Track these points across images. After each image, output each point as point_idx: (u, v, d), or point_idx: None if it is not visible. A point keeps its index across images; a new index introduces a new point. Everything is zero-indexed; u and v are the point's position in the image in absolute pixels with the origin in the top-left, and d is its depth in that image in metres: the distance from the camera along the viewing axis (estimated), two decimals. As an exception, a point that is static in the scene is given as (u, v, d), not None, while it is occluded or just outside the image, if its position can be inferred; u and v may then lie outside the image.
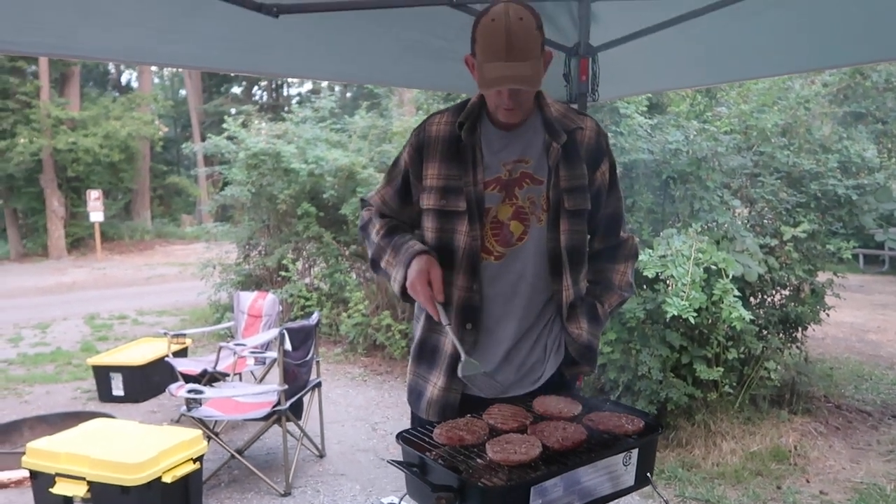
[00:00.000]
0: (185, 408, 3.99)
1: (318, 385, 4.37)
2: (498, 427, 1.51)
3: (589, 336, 1.81)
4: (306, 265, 7.78)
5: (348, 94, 25.35)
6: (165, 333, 4.92)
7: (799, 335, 4.93)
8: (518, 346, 1.78)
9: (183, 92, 28.81)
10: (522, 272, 1.75)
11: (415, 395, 1.87)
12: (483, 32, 1.59)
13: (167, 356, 4.88)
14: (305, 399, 4.23)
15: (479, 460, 1.36)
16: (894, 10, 2.42)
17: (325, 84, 14.32)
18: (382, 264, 1.81)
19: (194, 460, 3.32)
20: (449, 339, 1.74)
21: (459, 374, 1.64)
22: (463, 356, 1.65)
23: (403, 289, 1.73)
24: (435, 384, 1.80)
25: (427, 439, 1.47)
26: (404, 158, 1.84)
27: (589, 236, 1.86)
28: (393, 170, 1.88)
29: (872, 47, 2.82)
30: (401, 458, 1.50)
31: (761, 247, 4.45)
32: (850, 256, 4.83)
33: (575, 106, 1.79)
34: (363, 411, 5.31)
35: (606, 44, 2.95)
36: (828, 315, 4.98)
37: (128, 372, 5.49)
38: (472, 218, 1.71)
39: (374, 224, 1.86)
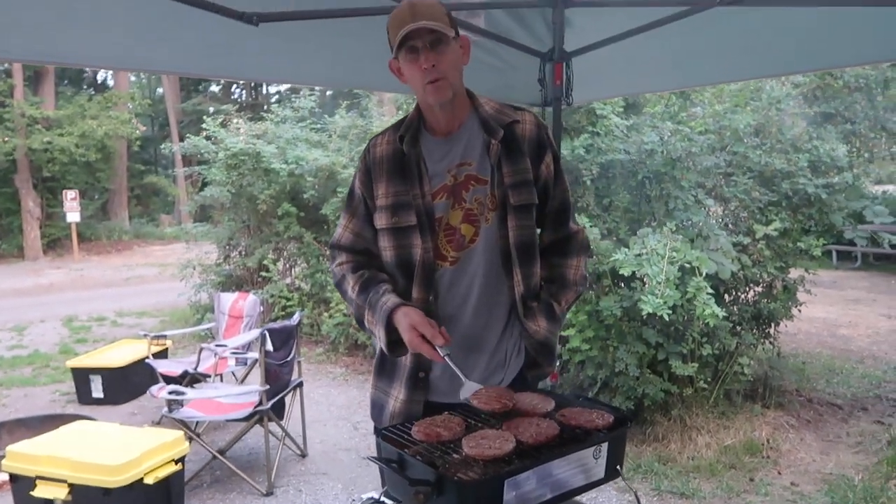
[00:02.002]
0: (166, 409, 4.00)
1: (300, 385, 4.40)
2: (482, 407, 1.56)
3: (546, 333, 1.82)
4: (287, 265, 7.78)
5: (328, 94, 25.21)
6: (145, 335, 4.92)
7: (772, 331, 5.05)
8: (479, 349, 1.81)
9: (160, 90, 28.50)
10: (476, 273, 1.77)
11: (377, 409, 1.88)
12: (392, 19, 1.66)
13: (147, 358, 4.87)
14: (287, 399, 4.26)
15: (455, 455, 1.41)
16: (860, 16, 2.50)
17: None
18: (366, 324, 1.80)
19: (176, 461, 3.34)
20: (408, 352, 1.76)
21: (462, 398, 1.63)
22: (465, 380, 1.64)
23: (390, 346, 1.74)
24: (396, 397, 1.82)
25: (406, 436, 1.52)
26: (357, 186, 1.85)
27: (539, 230, 1.88)
28: (351, 201, 1.88)
29: (840, 53, 2.92)
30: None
31: (734, 245, 4.55)
32: (819, 253, 4.95)
33: (527, 107, 1.81)
34: (345, 411, 5.34)
35: (580, 49, 3.01)
36: (800, 311, 5.10)
37: (107, 374, 5.47)
38: (423, 230, 1.74)
39: (348, 281, 1.84)
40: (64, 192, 17.38)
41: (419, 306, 1.74)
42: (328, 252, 1.96)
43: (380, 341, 1.77)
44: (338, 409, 5.37)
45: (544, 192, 1.83)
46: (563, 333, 4.21)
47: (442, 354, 1.63)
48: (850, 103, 6.87)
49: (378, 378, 1.90)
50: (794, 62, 3.09)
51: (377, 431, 1.82)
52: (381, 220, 1.79)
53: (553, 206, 1.87)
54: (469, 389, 1.63)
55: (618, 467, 1.54)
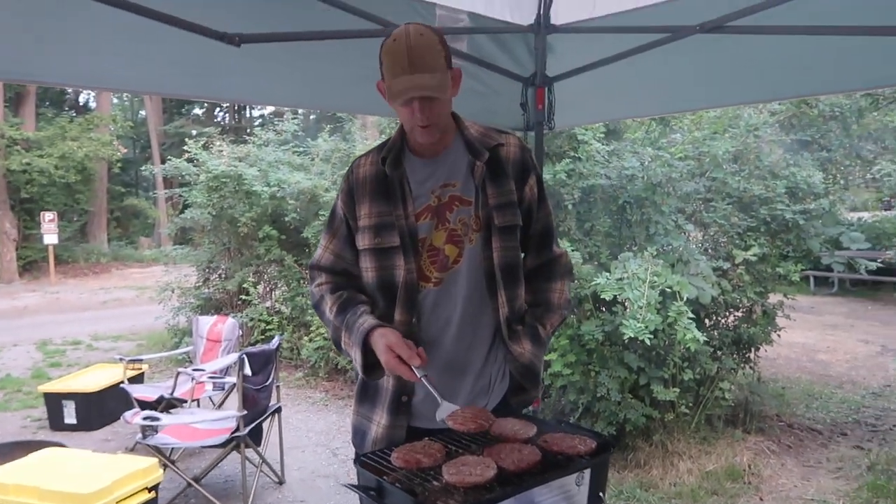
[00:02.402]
0: (140, 435, 3.91)
1: (279, 410, 4.32)
2: (458, 428, 1.54)
3: (531, 357, 1.81)
4: (267, 288, 7.71)
5: (311, 118, 25.29)
6: (121, 359, 4.83)
7: (752, 356, 5.08)
8: (463, 374, 1.79)
9: (143, 113, 28.42)
10: (460, 294, 1.76)
11: (359, 436, 1.85)
12: (387, 53, 1.63)
13: (122, 382, 4.77)
14: (265, 425, 4.18)
15: (435, 483, 1.38)
16: (836, 45, 2.55)
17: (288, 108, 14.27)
18: (343, 345, 1.78)
19: (150, 489, 3.25)
20: (390, 377, 1.74)
21: (438, 418, 1.61)
22: (441, 401, 1.62)
23: (366, 369, 1.72)
24: (378, 423, 1.79)
25: (385, 463, 1.49)
26: (340, 206, 1.84)
27: (523, 254, 1.88)
28: (333, 222, 1.87)
29: (816, 81, 2.97)
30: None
31: (714, 270, 4.59)
32: (798, 279, 5.00)
33: (510, 133, 1.82)
34: (324, 437, 5.26)
35: (562, 74, 3.04)
36: (779, 336, 5.14)
37: (81, 399, 5.34)
38: (406, 251, 1.72)
39: (326, 302, 1.82)
40: (42, 213, 17.16)
41: (402, 329, 1.72)
42: (307, 273, 1.92)
43: (356, 363, 1.74)
44: (316, 435, 5.28)
45: (528, 215, 1.84)
46: (545, 358, 4.19)
47: (419, 375, 1.61)
48: (826, 131, 7.00)
49: (360, 403, 1.86)
50: (771, 90, 3.13)
51: (357, 457, 1.80)
52: (363, 241, 1.78)
53: (536, 230, 1.88)
54: (445, 410, 1.61)
55: (600, 494, 1.51)
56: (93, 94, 24.33)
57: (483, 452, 1.48)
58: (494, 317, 1.79)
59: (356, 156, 1.91)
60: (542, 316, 1.86)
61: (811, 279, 11.78)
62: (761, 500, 3.94)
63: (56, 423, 5.43)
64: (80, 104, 26.18)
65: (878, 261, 5.85)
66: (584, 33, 2.94)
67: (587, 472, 1.47)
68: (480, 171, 1.76)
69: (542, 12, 2.94)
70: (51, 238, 16.89)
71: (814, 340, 8.27)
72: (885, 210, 14.92)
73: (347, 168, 1.86)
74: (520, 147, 1.84)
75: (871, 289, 11.80)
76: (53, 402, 5.42)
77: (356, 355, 1.71)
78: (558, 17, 2.97)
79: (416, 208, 1.76)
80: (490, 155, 1.77)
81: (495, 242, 1.76)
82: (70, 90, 24.49)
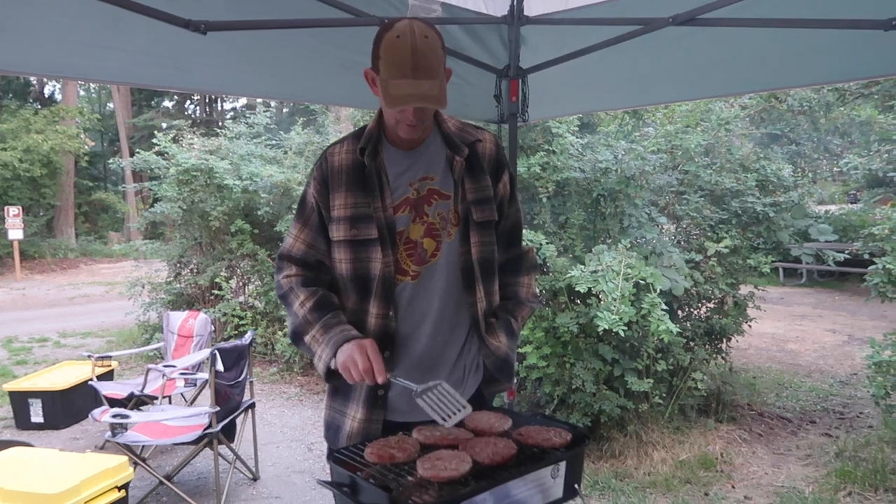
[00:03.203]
0: (110, 433, 3.84)
1: (252, 406, 4.27)
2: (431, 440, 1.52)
3: (507, 349, 1.82)
4: (240, 283, 7.61)
5: (284, 110, 25.07)
6: (89, 356, 4.73)
7: (724, 346, 5.15)
8: (437, 368, 1.77)
9: (111, 105, 27.88)
10: (437, 288, 1.74)
11: (332, 430, 1.81)
12: (388, 49, 1.57)
13: (91, 380, 4.68)
14: (238, 421, 4.13)
15: (409, 478, 1.36)
16: (805, 40, 2.58)
17: (260, 100, 14.12)
18: (306, 339, 1.72)
19: (119, 488, 3.19)
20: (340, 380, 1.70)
21: (419, 390, 1.57)
22: (416, 387, 1.58)
23: (328, 369, 1.66)
24: (353, 416, 1.75)
25: (358, 458, 1.47)
26: (312, 195, 1.78)
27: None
28: (304, 210, 1.80)
29: (786, 74, 3.00)
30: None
31: (687, 262, 4.63)
32: (769, 270, 5.08)
33: (485, 129, 1.80)
34: (299, 432, 5.22)
35: (535, 66, 3.03)
36: (750, 327, 5.22)
37: (48, 397, 5.23)
38: (384, 244, 1.69)
39: (296, 294, 1.75)
40: (6, 208, 16.75)
41: (378, 322, 1.71)
42: (275, 262, 1.87)
43: (319, 361, 1.69)
44: (291, 431, 5.24)
45: (499, 211, 1.84)
46: (520, 350, 4.20)
47: (388, 377, 1.58)
48: (795, 125, 7.11)
49: (332, 398, 1.83)
50: (742, 83, 3.15)
51: (330, 454, 1.76)
52: (338, 232, 1.74)
53: (506, 226, 1.88)
54: (423, 389, 1.57)
55: (576, 486, 1.51)
56: (58, 86, 23.82)
57: (459, 447, 1.47)
58: (471, 311, 1.78)
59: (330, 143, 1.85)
60: (514, 309, 1.88)
61: (780, 270, 12.00)
62: (733, 487, 3.99)
63: (22, 422, 5.30)
64: (46, 96, 25.57)
65: (846, 252, 5.95)
66: (558, 25, 2.93)
67: (563, 465, 1.47)
68: (460, 166, 1.75)
69: (515, 3, 2.92)
70: (16, 233, 16.51)
71: (783, 331, 8.42)
72: (851, 203, 15.24)
73: (320, 155, 1.81)
74: (495, 143, 1.85)
75: (838, 280, 12.04)
76: (19, 400, 5.30)
77: (323, 353, 1.67)
78: (532, 8, 2.95)
79: (394, 200, 1.73)
80: (468, 150, 1.77)
81: (473, 237, 1.75)
82: (34, 82, 23.95)
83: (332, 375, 1.67)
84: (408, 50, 1.54)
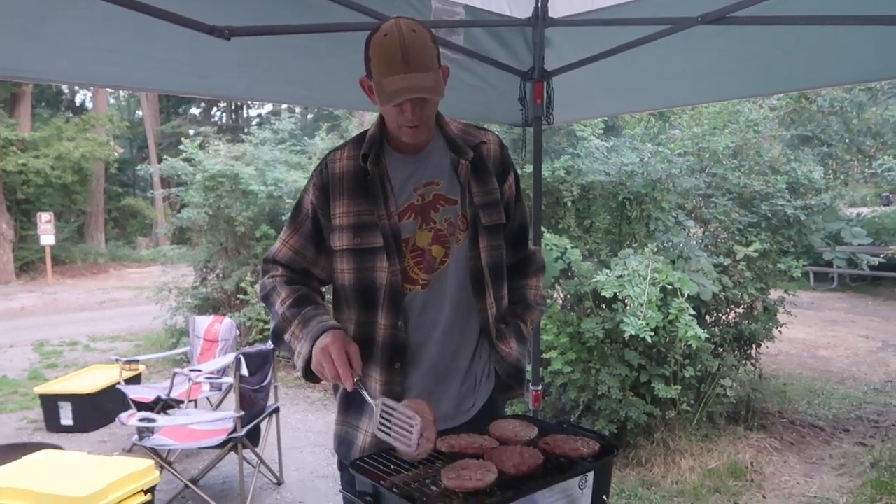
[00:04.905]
0: (136, 437, 3.87)
1: (277, 410, 4.28)
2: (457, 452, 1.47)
3: (518, 355, 1.78)
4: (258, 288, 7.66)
5: (309, 116, 25.29)
6: (117, 360, 4.79)
7: (753, 352, 5.04)
8: (448, 378, 1.73)
9: (140, 113, 28.34)
10: (448, 296, 1.70)
11: (345, 445, 1.76)
12: (377, 49, 1.54)
13: (119, 383, 4.74)
14: (263, 425, 4.14)
15: (434, 488, 1.34)
16: (837, 38, 2.52)
17: (284, 105, 14.26)
18: (286, 337, 1.66)
19: (146, 491, 3.22)
20: (376, 384, 1.67)
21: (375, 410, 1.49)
22: (371, 401, 1.51)
23: (307, 365, 1.59)
24: (367, 431, 1.70)
25: (381, 467, 1.44)
26: (309, 201, 1.72)
27: None
28: (297, 216, 1.75)
29: (816, 74, 2.93)
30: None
31: (715, 266, 4.55)
32: (799, 274, 4.97)
33: (489, 130, 1.76)
34: (323, 437, 5.22)
35: (560, 68, 2.99)
36: (780, 332, 5.11)
37: (77, 400, 5.30)
38: (390, 253, 1.64)
39: (278, 293, 1.70)
40: (38, 214, 17.11)
41: (387, 333, 1.66)
42: (261, 266, 1.83)
43: (298, 357, 1.62)
44: (315, 436, 5.24)
45: (506, 212, 1.80)
46: (545, 356, 4.15)
47: (354, 379, 1.52)
48: (826, 126, 6.95)
49: (345, 413, 1.78)
50: (772, 83, 3.08)
51: (342, 466, 1.76)
52: (341, 241, 1.68)
53: (514, 227, 1.84)
54: (380, 406, 1.48)
55: (604, 497, 1.47)
56: (89, 94, 24.31)
57: (484, 456, 1.44)
58: (482, 317, 1.74)
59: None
60: (523, 312, 1.85)
61: (811, 275, 11.75)
62: (764, 497, 3.90)
63: (52, 424, 5.39)
64: (77, 104, 26.14)
65: (881, 256, 5.80)
66: (583, 26, 2.89)
67: (591, 475, 1.43)
68: (465, 169, 1.71)
69: (539, 5, 2.90)
70: (48, 239, 16.85)
71: (814, 336, 8.24)
72: (884, 205, 14.90)
73: (321, 161, 1.77)
74: (499, 144, 1.81)
75: (870, 284, 11.77)
76: (50, 403, 5.39)
77: (302, 348, 1.60)
78: (556, 9, 2.93)
79: (398, 207, 1.68)
80: (473, 153, 1.73)
81: (482, 242, 1.71)
82: (66, 90, 24.47)
83: (311, 374, 1.61)
84: (397, 46, 1.51)
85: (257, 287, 1.97)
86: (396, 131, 1.64)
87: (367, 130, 1.75)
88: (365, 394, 1.53)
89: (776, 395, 5.36)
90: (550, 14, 2.92)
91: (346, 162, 1.71)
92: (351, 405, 1.76)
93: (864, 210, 13.04)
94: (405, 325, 1.68)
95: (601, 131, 5.06)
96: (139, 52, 2.24)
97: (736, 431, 4.57)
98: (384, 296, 1.66)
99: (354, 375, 1.52)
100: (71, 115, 22.86)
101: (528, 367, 1.87)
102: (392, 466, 1.45)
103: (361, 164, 1.68)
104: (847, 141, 7.47)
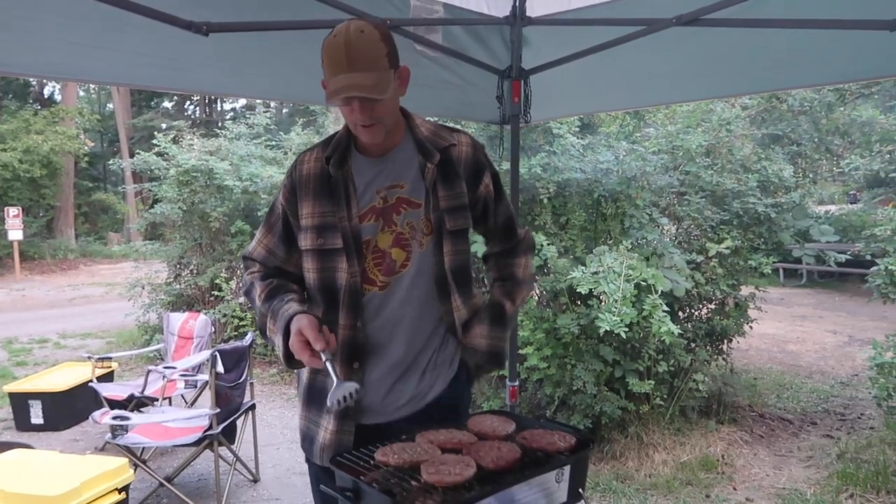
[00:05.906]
0: (110, 435, 3.83)
1: (253, 407, 4.26)
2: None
3: (490, 341, 1.79)
4: (240, 284, 7.60)
5: (284, 111, 25.09)
6: (89, 357, 4.72)
7: (725, 347, 5.14)
8: (408, 374, 1.74)
9: (111, 106, 27.88)
10: (408, 299, 1.71)
11: (308, 441, 1.79)
12: (326, 49, 1.58)
13: (91, 381, 4.67)
14: (239, 422, 4.12)
15: (413, 483, 1.35)
16: (808, 40, 2.58)
17: (259, 100, 14.12)
18: (268, 332, 1.72)
19: (120, 490, 3.18)
20: (334, 381, 1.66)
21: (330, 402, 1.54)
22: (336, 381, 1.55)
23: (287, 356, 1.64)
24: (326, 428, 1.73)
25: (361, 463, 1.46)
26: (280, 202, 1.78)
27: (489, 243, 1.92)
28: (271, 216, 1.81)
29: (786, 75, 3.00)
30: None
31: (688, 263, 4.62)
32: (769, 271, 5.07)
33: (462, 131, 1.78)
34: (299, 433, 5.19)
35: (538, 67, 3.02)
36: (751, 328, 5.21)
37: (48, 398, 5.21)
38: (349, 254, 1.67)
39: (256, 288, 1.77)
40: (6, 208, 16.73)
41: (346, 332, 1.69)
42: (241, 263, 1.88)
43: (279, 350, 1.67)
44: (291, 432, 5.22)
45: (485, 212, 1.83)
46: (521, 352, 4.19)
47: (324, 359, 1.55)
48: (796, 126, 7.09)
49: (307, 408, 1.80)
50: (744, 83, 3.16)
51: (308, 461, 1.80)
52: (305, 241, 1.72)
53: (499, 223, 1.88)
54: (344, 389, 1.54)
55: (580, 490, 1.50)
56: (58, 86, 23.79)
57: (463, 451, 1.46)
58: (448, 319, 1.76)
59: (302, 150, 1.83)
60: (511, 291, 1.88)
61: (780, 271, 11.98)
62: (735, 489, 3.98)
63: (22, 423, 5.29)
64: (45, 97, 25.53)
65: (848, 253, 5.94)
66: (560, 26, 2.92)
67: (567, 469, 1.46)
68: (432, 173, 1.71)
69: (517, 4, 2.92)
70: (15, 234, 16.51)
71: (784, 331, 8.41)
72: (851, 203, 15.22)
73: (292, 163, 1.80)
74: (472, 146, 1.79)
75: (838, 280, 12.04)
76: (19, 401, 5.29)
77: (278, 341, 1.65)
78: (534, 9, 2.95)
79: (360, 209, 1.69)
80: (441, 156, 1.73)
81: (446, 246, 1.72)
82: (34, 83, 23.92)
83: (291, 362, 1.65)
84: (342, 46, 1.54)
85: (240, 283, 2.00)
86: (355, 131, 1.67)
87: (337, 132, 1.76)
88: (332, 371, 1.56)
89: (747, 390, 5.47)
90: (528, 13, 2.94)
91: (313, 164, 1.74)
92: (312, 401, 1.79)
93: (832, 208, 13.32)
94: (363, 325, 1.70)
95: (577, 129, 5.11)
96: (113, 46, 2.22)
97: (708, 425, 4.66)
98: (344, 295, 1.69)
99: (325, 356, 1.55)
100: (39, 107, 22.37)
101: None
102: (372, 462, 1.46)
103: (326, 165, 1.70)
104: (816, 140, 7.63)
